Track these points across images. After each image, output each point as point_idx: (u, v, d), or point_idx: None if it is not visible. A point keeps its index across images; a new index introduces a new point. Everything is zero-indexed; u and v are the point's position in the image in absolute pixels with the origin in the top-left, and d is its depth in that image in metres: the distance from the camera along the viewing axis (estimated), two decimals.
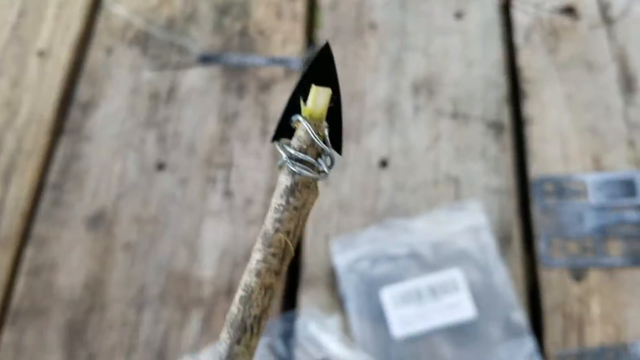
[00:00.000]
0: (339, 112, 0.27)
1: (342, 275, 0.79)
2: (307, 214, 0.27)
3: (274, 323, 0.76)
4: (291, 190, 0.26)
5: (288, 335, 0.76)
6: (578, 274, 0.73)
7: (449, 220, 0.80)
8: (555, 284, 0.73)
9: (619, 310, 0.70)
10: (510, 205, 0.80)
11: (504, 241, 0.78)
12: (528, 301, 0.74)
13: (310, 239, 0.84)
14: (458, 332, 0.72)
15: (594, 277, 0.73)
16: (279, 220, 0.26)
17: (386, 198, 0.85)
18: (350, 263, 0.79)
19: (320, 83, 0.25)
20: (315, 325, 0.75)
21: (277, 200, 0.26)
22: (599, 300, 0.71)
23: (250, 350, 0.25)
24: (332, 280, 0.80)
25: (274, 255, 0.26)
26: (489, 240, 0.77)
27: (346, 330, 0.75)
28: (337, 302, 0.78)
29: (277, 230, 0.26)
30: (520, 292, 0.74)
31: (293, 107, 0.26)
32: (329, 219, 0.85)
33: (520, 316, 0.71)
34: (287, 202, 0.26)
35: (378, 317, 0.75)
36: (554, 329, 0.70)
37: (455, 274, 0.75)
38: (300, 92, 0.26)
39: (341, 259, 0.80)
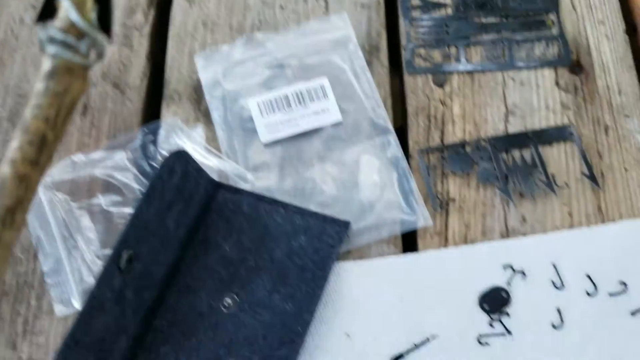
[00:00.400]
0: None
1: (207, 89, 0.75)
2: (72, 102, 0.23)
3: (134, 135, 0.71)
4: (50, 75, 0.22)
5: (149, 147, 0.71)
6: (441, 80, 0.75)
7: (317, 32, 0.78)
8: (419, 89, 0.74)
9: (478, 110, 0.72)
10: (378, 18, 0.79)
11: (371, 52, 0.77)
12: (393, 105, 0.74)
13: (173, 57, 0.79)
14: (325, 135, 0.71)
15: (456, 81, 0.74)
16: (38, 107, 0.23)
17: (254, 14, 0.80)
18: (216, 76, 0.75)
19: None
20: (179, 135, 0.71)
21: (36, 85, 0.23)
22: (460, 102, 0.73)
23: (3, 244, 0.21)
24: (197, 96, 0.76)
25: (30, 143, 0.22)
26: (356, 51, 0.76)
27: (211, 140, 0.72)
28: (203, 116, 0.74)
29: (35, 117, 0.22)
30: (385, 98, 0.74)
31: None
32: (194, 37, 0.80)
33: (384, 118, 0.72)
34: (47, 87, 0.22)
35: (245, 125, 0.72)
36: (418, 128, 0.72)
37: (323, 82, 0.73)
38: None
39: (205, 73, 0.76)
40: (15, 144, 0.22)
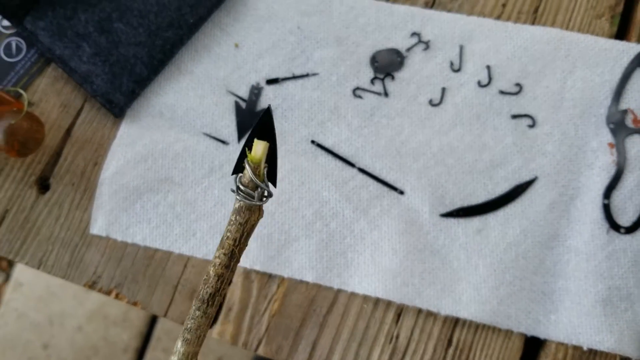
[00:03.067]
0: (275, 158, 0.37)
1: None
2: (250, 228, 0.37)
3: None
4: (237, 211, 0.36)
5: None
6: None
7: None
8: None
9: None
10: None
11: None
12: None
13: None
14: None
15: None
16: (229, 231, 0.37)
17: None
18: None
19: (262, 136, 0.36)
20: None
21: (230, 216, 0.37)
22: None
23: (207, 316, 0.37)
24: None
25: (224, 254, 0.37)
26: None
27: None
28: None
29: (227, 238, 0.37)
30: None
31: (244, 153, 0.36)
32: None
33: None
34: (235, 218, 0.37)
35: None
36: None
37: None
38: (249, 143, 0.36)
39: None
40: (216, 254, 0.37)
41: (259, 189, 0.36)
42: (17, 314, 1.29)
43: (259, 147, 0.36)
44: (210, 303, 0.37)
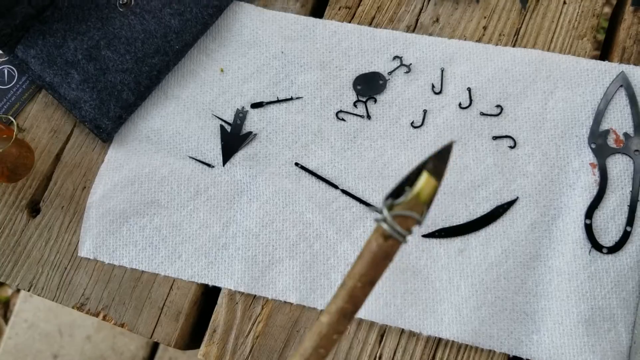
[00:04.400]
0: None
1: None
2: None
3: None
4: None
5: None
6: None
7: None
8: None
9: None
10: None
11: None
12: None
13: None
14: None
15: None
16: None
17: None
18: None
19: (434, 169, 0.31)
20: None
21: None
22: None
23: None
24: None
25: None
26: None
27: None
28: None
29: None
30: None
31: (411, 177, 0.32)
32: None
33: None
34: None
35: None
36: None
37: None
38: (420, 169, 0.32)
39: None
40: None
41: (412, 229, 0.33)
42: (28, 325, 1.30)
43: (429, 188, 0.32)
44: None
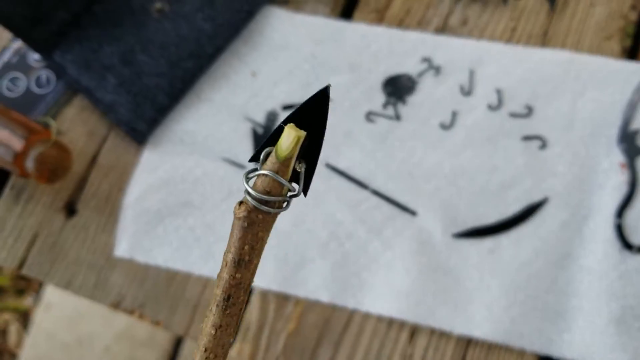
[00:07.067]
0: (316, 156, 0.27)
1: None
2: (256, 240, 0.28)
3: None
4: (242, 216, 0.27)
5: None
6: None
7: None
8: None
9: None
10: None
11: None
12: None
13: None
14: None
15: None
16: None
17: None
18: None
19: (308, 123, 0.25)
20: None
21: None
22: None
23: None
24: None
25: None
26: None
27: None
28: None
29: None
30: None
31: (275, 136, 0.26)
32: None
33: None
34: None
35: None
36: None
37: None
38: (288, 122, 0.25)
39: None
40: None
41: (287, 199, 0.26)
42: (47, 335, 1.32)
43: (289, 137, 0.25)
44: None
